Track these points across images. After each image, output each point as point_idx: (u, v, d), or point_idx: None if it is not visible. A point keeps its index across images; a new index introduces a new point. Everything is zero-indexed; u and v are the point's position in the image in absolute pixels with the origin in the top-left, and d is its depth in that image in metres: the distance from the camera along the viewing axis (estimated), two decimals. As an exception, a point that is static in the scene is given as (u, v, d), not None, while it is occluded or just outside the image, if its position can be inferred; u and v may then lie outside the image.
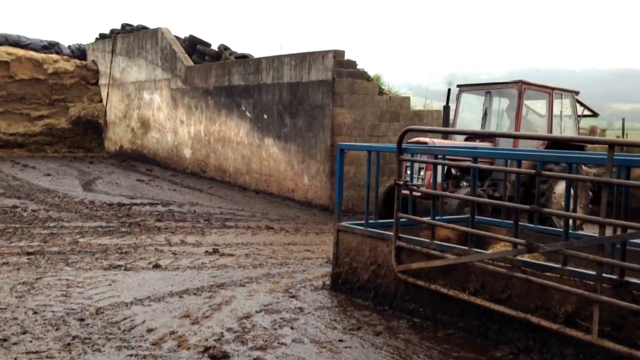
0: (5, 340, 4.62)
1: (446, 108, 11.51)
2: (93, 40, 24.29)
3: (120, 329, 4.95)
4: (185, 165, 18.63)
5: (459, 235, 6.36)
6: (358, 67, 13.20)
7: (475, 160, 5.61)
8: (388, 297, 5.76)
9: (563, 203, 9.49)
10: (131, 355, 4.43)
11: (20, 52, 21.77)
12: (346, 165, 12.02)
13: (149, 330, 4.94)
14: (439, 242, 5.46)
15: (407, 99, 14.30)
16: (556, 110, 11.49)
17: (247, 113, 15.59)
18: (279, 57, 14.48)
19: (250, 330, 5.04)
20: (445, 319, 5.25)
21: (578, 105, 12.44)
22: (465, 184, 10.43)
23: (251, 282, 6.67)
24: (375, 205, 6.88)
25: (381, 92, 13.88)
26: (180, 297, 5.96)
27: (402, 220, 5.71)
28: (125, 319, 5.23)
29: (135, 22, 22.42)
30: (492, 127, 11.60)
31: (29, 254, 7.57)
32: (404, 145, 5.71)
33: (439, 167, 6.79)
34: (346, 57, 12.99)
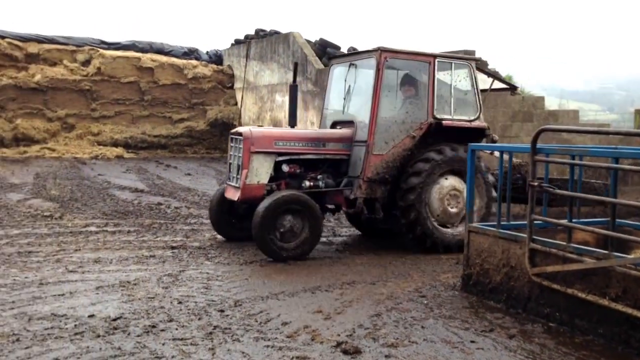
0: (154, 326, 4.99)
1: (293, 87, 9.56)
2: (229, 46, 25.39)
3: (257, 321, 5.20)
4: (315, 165, 18.98)
5: (597, 238, 6.09)
6: (489, 67, 12.91)
7: (616, 161, 5.36)
8: (522, 300, 5.63)
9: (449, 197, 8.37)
10: (268, 346, 4.64)
11: (164, 58, 23.17)
12: (477, 165, 11.74)
13: (284, 324, 5.15)
14: (576, 245, 5.26)
15: (541, 98, 13.79)
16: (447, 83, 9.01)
17: (376, 114, 15.65)
18: (408, 58, 14.44)
19: (381, 328, 5.12)
20: (583, 324, 5.05)
21: (488, 78, 10.41)
22: (308, 183, 8.53)
23: (381, 280, 6.74)
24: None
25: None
26: (312, 292, 6.15)
27: (536, 222, 5.56)
28: (261, 311, 5.47)
29: (268, 28, 23.20)
30: (351, 105, 9.42)
31: (172, 248, 8.10)
32: (539, 145, 5.56)
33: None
34: (477, 57, 12.75)
